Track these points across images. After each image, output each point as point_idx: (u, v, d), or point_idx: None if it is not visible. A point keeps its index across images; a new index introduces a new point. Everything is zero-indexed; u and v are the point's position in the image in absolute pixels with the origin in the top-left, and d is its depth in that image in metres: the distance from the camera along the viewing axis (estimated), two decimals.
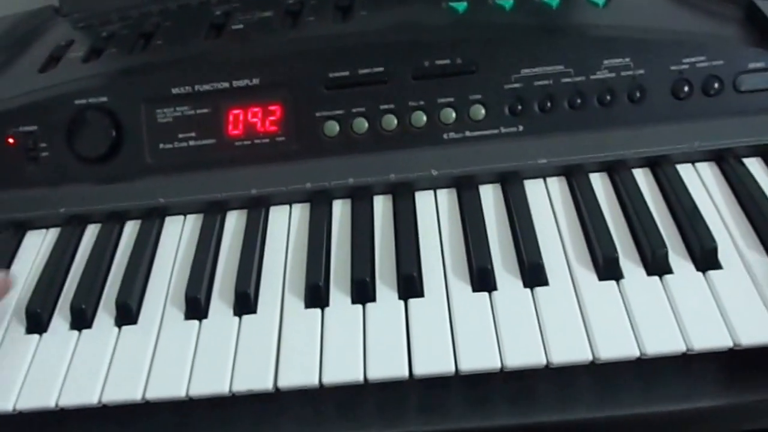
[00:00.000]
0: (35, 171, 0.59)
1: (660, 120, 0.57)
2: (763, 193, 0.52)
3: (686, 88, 0.57)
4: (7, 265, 0.57)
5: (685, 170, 0.56)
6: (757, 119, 0.56)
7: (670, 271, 0.48)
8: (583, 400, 0.45)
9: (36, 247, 0.58)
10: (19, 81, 0.64)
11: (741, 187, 0.53)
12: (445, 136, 0.57)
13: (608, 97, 0.57)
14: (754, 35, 0.58)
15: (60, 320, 0.52)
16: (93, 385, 0.47)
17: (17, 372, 0.48)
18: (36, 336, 0.51)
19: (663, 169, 0.55)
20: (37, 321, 0.51)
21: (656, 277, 0.48)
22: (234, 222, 0.58)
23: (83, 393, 0.47)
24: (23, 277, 0.56)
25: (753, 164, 0.56)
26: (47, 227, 0.60)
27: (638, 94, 0.57)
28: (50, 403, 0.46)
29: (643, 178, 0.56)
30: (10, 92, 0.62)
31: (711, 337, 0.43)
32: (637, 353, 0.44)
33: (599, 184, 0.56)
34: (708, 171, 0.56)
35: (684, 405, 0.44)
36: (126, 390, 0.46)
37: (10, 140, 0.60)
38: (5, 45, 0.70)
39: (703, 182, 0.55)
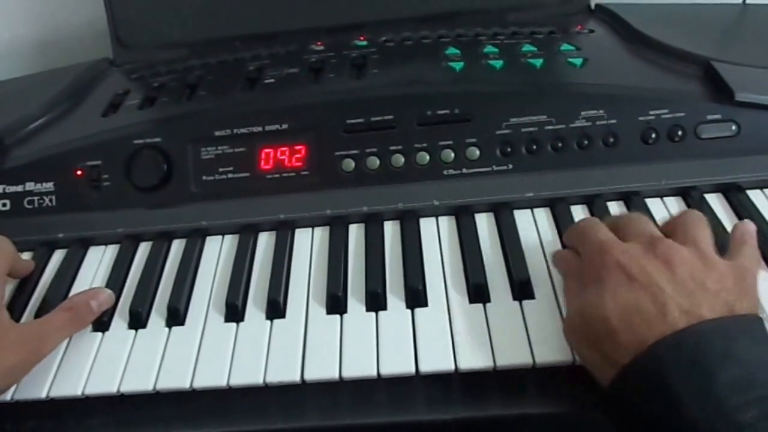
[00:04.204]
0: (98, 197, 0.64)
1: (631, 161, 0.60)
2: (721, 223, 0.56)
3: (653, 135, 0.60)
4: (73, 274, 0.61)
5: (653, 204, 0.59)
6: (716, 161, 0.60)
7: None
8: (567, 395, 0.48)
9: (97, 261, 0.62)
10: (85, 124, 0.69)
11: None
12: (445, 172, 0.61)
13: (586, 142, 0.61)
14: (711, 91, 0.62)
15: (120, 321, 0.56)
16: (148, 375, 0.51)
17: (84, 364, 0.52)
18: (99, 334, 0.55)
19: (634, 203, 0.59)
20: (100, 322, 0.55)
21: None
22: (265, 242, 0.61)
23: (140, 381, 0.51)
24: (87, 285, 0.60)
25: (713, 199, 0.59)
26: (107, 244, 0.64)
27: (612, 140, 0.61)
28: (112, 389, 0.50)
29: (617, 209, 0.59)
30: (78, 133, 0.67)
31: None
32: None
33: (579, 214, 0.59)
34: (675, 205, 0.59)
35: None
36: (176, 379, 0.50)
37: (78, 172, 0.64)
38: (71, 92, 0.76)
39: (670, 214, 0.58)
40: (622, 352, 0.42)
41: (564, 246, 0.56)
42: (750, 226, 0.51)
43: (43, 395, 0.51)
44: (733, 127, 0.60)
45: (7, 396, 0.51)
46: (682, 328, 0.41)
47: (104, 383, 0.51)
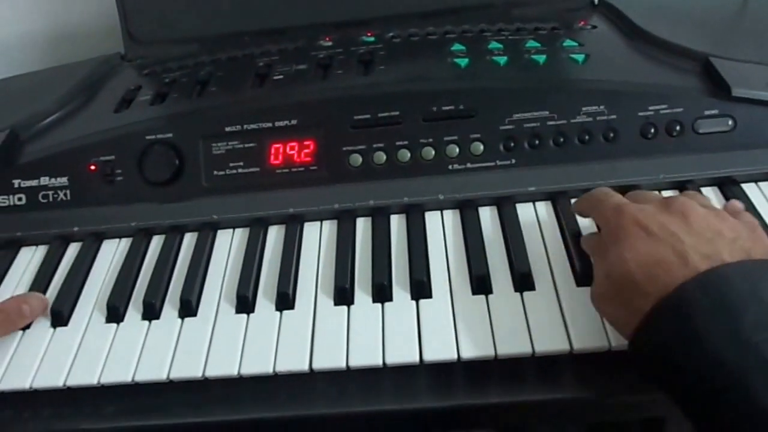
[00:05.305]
0: (111, 192, 0.65)
1: (630, 155, 0.61)
2: None
3: (652, 130, 0.61)
4: (89, 267, 0.62)
5: None
6: (712, 156, 0.61)
7: None
8: (565, 383, 0.49)
9: (111, 254, 0.63)
10: (98, 119, 0.70)
11: None
12: (450, 167, 0.62)
13: (586, 137, 0.61)
14: (709, 87, 0.62)
15: (133, 312, 0.57)
16: (161, 364, 0.52)
17: (100, 354, 0.54)
18: (114, 325, 0.56)
19: None
20: (115, 313, 0.57)
21: None
22: (274, 235, 0.62)
23: (154, 371, 0.52)
24: (101, 278, 0.61)
25: (709, 192, 0.60)
26: (120, 238, 0.65)
27: (611, 135, 0.61)
28: (127, 378, 0.52)
29: None
30: (91, 128, 0.68)
31: None
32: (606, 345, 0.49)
33: None
34: None
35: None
36: (188, 369, 0.52)
37: (92, 167, 0.65)
38: (84, 87, 0.77)
39: None
40: (647, 300, 0.43)
41: (564, 237, 0.57)
42: (737, 203, 0.53)
43: (60, 384, 0.52)
44: (730, 122, 0.61)
45: (26, 384, 0.52)
46: (707, 270, 0.42)
47: (119, 372, 0.52)
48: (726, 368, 0.39)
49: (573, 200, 0.61)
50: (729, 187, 0.60)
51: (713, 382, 0.39)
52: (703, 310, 0.41)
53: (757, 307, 0.40)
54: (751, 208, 0.58)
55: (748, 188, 0.60)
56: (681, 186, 0.61)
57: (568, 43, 0.70)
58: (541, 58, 0.67)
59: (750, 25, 0.76)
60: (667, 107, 0.61)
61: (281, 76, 0.69)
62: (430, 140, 0.63)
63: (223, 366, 0.52)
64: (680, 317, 0.41)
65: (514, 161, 0.62)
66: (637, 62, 0.68)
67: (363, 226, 0.62)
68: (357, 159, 0.63)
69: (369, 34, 0.76)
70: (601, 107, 0.62)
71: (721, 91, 0.61)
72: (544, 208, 0.61)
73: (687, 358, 0.41)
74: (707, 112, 0.61)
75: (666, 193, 0.61)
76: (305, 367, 0.51)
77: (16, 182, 0.66)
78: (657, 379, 0.44)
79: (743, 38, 0.73)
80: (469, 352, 0.50)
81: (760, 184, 0.61)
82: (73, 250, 0.64)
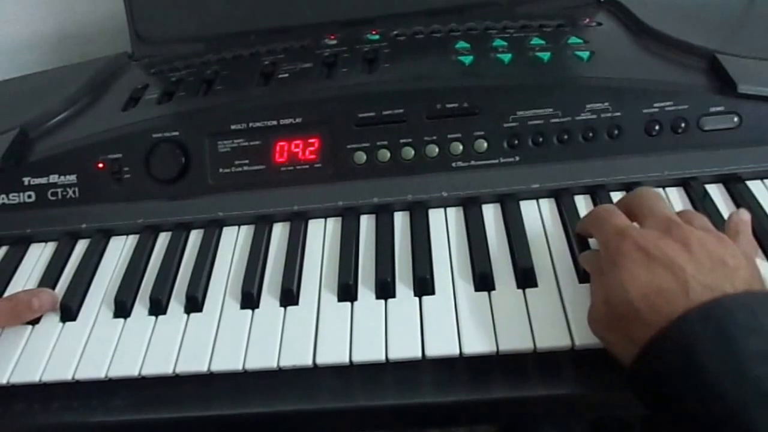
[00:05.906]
0: (119, 189, 0.66)
1: (635, 152, 0.61)
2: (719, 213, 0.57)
3: (657, 127, 0.61)
4: (97, 263, 0.63)
5: None
6: (718, 153, 0.61)
7: None
8: (567, 379, 0.50)
9: (119, 251, 0.64)
10: (106, 118, 0.71)
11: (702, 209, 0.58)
12: (453, 164, 0.63)
13: (590, 134, 0.62)
14: (715, 83, 0.62)
15: (140, 308, 0.58)
16: (168, 359, 0.53)
17: (107, 348, 0.55)
18: (121, 320, 0.57)
19: None
20: (122, 308, 0.58)
21: None
22: (279, 232, 0.63)
23: (160, 365, 0.53)
24: (109, 274, 0.62)
25: (713, 189, 0.60)
26: (127, 234, 0.66)
27: (616, 132, 0.61)
28: (134, 372, 0.53)
29: None
30: (99, 127, 0.69)
31: None
32: None
33: (583, 204, 0.60)
34: (676, 195, 0.60)
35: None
36: (194, 363, 0.53)
37: (100, 165, 0.66)
38: (92, 86, 0.78)
39: (671, 204, 0.59)
40: (647, 330, 0.43)
41: (567, 234, 0.58)
42: (744, 216, 0.52)
43: (69, 377, 0.53)
44: (735, 119, 0.61)
45: (36, 378, 0.54)
46: (708, 301, 0.42)
47: (127, 366, 0.53)
48: (725, 401, 0.39)
49: (576, 197, 0.61)
50: (734, 185, 0.60)
51: (712, 414, 0.39)
52: (704, 342, 0.41)
53: (758, 339, 0.40)
54: (756, 205, 0.58)
55: (754, 185, 0.60)
56: (685, 183, 0.61)
57: (572, 40, 0.70)
58: (546, 56, 0.67)
59: (756, 21, 0.75)
60: (673, 104, 0.62)
61: (286, 75, 0.70)
62: (434, 138, 0.63)
63: (228, 361, 0.52)
64: (681, 348, 0.41)
65: (517, 158, 0.62)
66: (643, 59, 0.68)
67: (367, 224, 0.62)
68: (361, 157, 0.64)
69: (373, 33, 0.76)
70: (606, 104, 0.62)
71: (727, 88, 0.61)
72: (547, 206, 0.61)
73: (686, 389, 0.41)
74: (713, 109, 0.61)
75: (671, 191, 0.61)
76: (309, 362, 0.51)
77: (25, 180, 0.67)
78: (656, 407, 0.44)
79: (750, 34, 0.73)
80: (471, 348, 0.50)
81: (766, 181, 0.61)
82: (81, 246, 0.65)
